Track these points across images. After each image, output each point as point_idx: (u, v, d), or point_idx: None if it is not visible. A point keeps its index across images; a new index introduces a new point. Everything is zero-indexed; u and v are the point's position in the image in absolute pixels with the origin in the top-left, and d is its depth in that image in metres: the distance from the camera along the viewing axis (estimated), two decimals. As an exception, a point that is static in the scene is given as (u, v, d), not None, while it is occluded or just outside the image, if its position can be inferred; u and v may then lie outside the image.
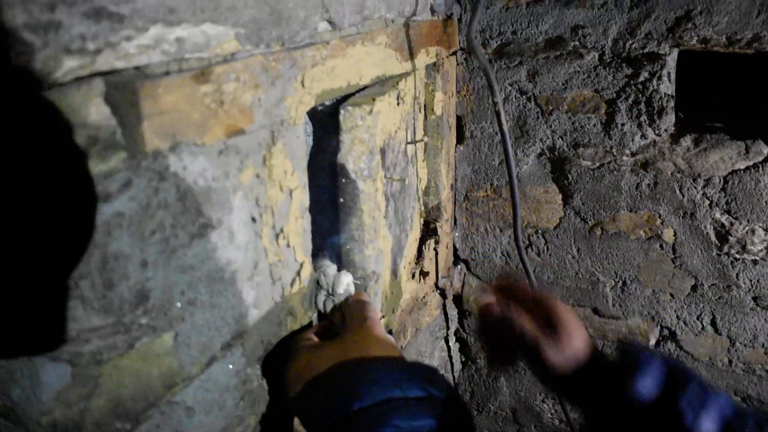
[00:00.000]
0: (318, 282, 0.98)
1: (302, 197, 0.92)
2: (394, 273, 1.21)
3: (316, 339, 0.89)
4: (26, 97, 0.54)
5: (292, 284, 0.92)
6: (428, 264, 1.51)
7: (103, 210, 0.60)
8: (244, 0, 0.75)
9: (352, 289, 1.00)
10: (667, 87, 1.41)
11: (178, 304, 0.71)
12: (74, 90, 0.57)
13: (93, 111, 0.59)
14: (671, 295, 1.56)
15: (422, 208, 1.51)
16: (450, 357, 1.82)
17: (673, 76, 1.41)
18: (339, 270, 1.01)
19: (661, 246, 1.52)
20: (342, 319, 0.92)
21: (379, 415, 0.71)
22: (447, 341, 1.80)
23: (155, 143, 0.65)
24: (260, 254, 0.84)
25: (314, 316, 1.00)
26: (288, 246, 0.89)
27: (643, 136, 1.45)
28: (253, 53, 0.79)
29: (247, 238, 0.80)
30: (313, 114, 1.07)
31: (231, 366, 0.82)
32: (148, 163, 0.64)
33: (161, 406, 0.72)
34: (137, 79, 0.63)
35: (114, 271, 0.62)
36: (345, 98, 1.03)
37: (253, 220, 0.81)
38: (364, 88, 1.07)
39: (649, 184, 1.48)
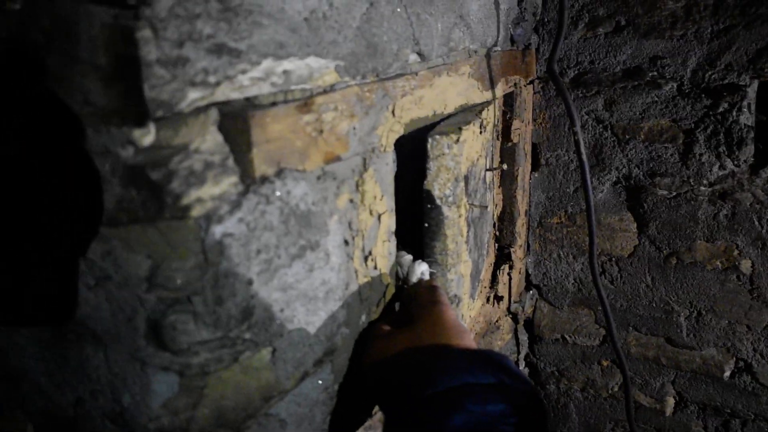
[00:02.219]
0: (396, 273, 1.00)
1: (389, 221, 0.95)
2: (472, 297, 1.24)
3: (388, 328, 0.91)
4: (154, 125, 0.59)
5: (378, 305, 0.95)
6: (502, 288, 1.53)
7: (216, 231, 0.65)
8: (345, 34, 0.80)
9: (427, 278, 1.01)
10: (746, 118, 1.41)
11: (278, 321, 0.75)
12: (193, 119, 0.62)
13: (209, 138, 0.64)
14: (747, 326, 1.54)
15: (497, 233, 1.54)
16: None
17: (753, 107, 1.41)
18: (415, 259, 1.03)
19: (738, 277, 1.51)
20: (414, 306, 0.93)
21: (452, 400, 0.73)
22: (517, 365, 1.80)
23: (263, 169, 0.69)
24: (351, 275, 0.87)
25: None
26: (375, 268, 0.93)
27: (722, 167, 1.45)
28: (349, 84, 0.83)
29: (340, 259, 0.84)
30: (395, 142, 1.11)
31: (320, 382, 0.86)
32: (256, 188, 0.69)
33: (259, 417, 0.76)
34: (248, 109, 0.68)
35: (224, 288, 0.67)
36: (429, 127, 1.06)
37: (346, 242, 0.85)
38: (448, 116, 1.11)
39: (726, 215, 1.48)
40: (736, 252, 1.49)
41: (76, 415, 0.74)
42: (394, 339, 0.85)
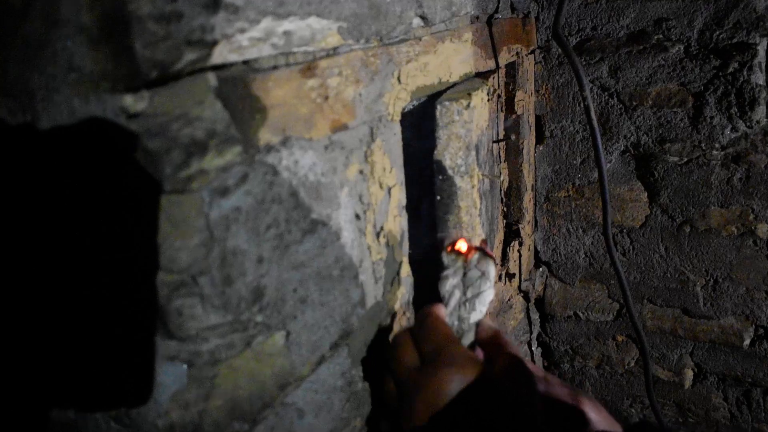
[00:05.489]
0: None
1: (399, 195, 0.90)
2: (486, 273, 1.19)
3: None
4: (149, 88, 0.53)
5: (392, 283, 0.90)
6: (513, 266, 1.48)
7: (222, 204, 0.59)
8: (347, -8, 0.74)
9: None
10: (758, 77, 1.36)
11: (291, 302, 0.70)
12: (191, 83, 0.57)
13: (208, 105, 0.58)
14: (766, 292, 1.50)
15: (504, 209, 1.49)
16: (533, 362, 1.78)
17: (764, 65, 1.36)
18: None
19: (754, 242, 1.47)
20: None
21: None
22: (530, 346, 1.76)
23: (267, 137, 0.64)
24: (364, 252, 0.82)
25: (411, 316, 0.97)
26: (388, 245, 0.88)
27: (734, 129, 1.40)
28: (353, 48, 0.78)
29: (352, 235, 0.79)
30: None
31: (338, 367, 0.80)
32: (261, 157, 0.63)
33: (275, 407, 0.71)
34: (248, 73, 0.62)
35: (232, 267, 0.61)
36: (435, 96, 1.01)
37: (357, 217, 0.80)
38: (453, 85, 1.06)
39: (740, 178, 1.43)
40: (751, 216, 1.45)
41: (77, 417, 0.68)
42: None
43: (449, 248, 0.88)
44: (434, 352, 0.77)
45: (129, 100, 0.53)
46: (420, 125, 1.06)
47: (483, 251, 0.87)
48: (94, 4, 0.52)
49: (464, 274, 0.87)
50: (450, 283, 0.85)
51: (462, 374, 0.74)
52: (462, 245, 0.88)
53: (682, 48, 1.41)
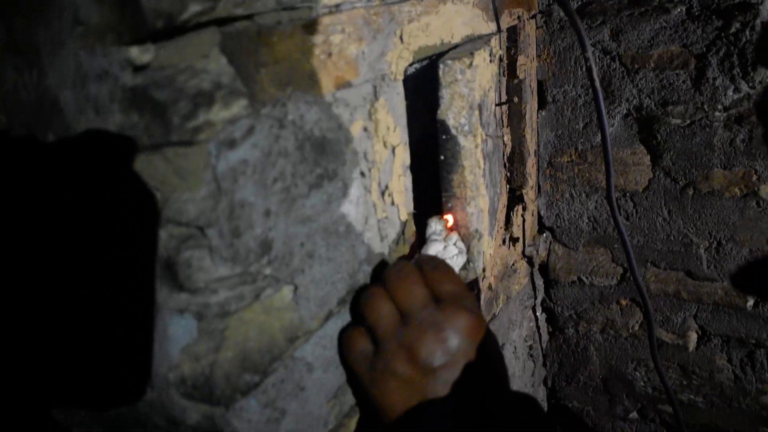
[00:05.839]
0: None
1: (404, 155, 0.91)
2: (491, 235, 1.20)
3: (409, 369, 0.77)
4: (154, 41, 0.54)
5: (397, 242, 0.91)
6: (516, 231, 1.49)
7: (229, 157, 0.60)
8: (349, -53, 0.75)
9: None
10: (760, 37, 1.36)
11: (298, 256, 0.70)
12: (196, 36, 0.57)
13: (213, 58, 0.59)
14: (770, 254, 1.50)
15: (508, 174, 1.49)
16: (538, 327, 1.80)
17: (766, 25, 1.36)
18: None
19: (758, 203, 1.47)
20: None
21: None
22: (534, 311, 1.77)
23: (273, 92, 0.64)
24: (370, 209, 0.83)
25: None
26: (393, 204, 0.88)
27: (737, 90, 1.40)
28: (355, 5, 0.78)
29: (358, 192, 0.80)
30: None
31: (346, 322, 0.81)
32: (267, 111, 0.64)
33: (285, 360, 0.72)
34: (252, 28, 0.63)
35: (240, 219, 0.62)
36: (439, 56, 1.01)
37: (362, 174, 0.81)
38: (455, 46, 1.06)
39: (743, 140, 1.43)
40: (755, 177, 1.45)
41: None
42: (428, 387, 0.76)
43: (441, 216, 0.91)
44: (455, 295, 0.78)
45: (135, 52, 0.54)
46: (420, 90, 1.07)
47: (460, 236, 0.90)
48: (98, -45, 0.52)
49: (444, 247, 0.90)
50: (434, 248, 0.87)
51: (481, 323, 0.77)
52: (449, 218, 0.91)
53: (683, 9, 1.41)
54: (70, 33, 0.55)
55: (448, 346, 0.74)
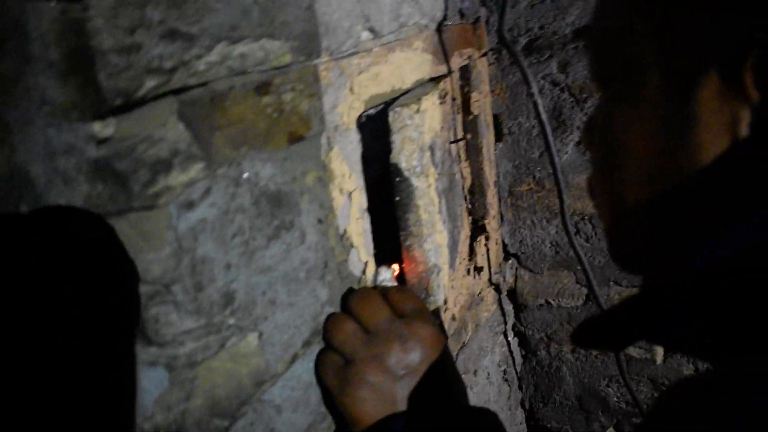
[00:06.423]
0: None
1: (360, 199, 0.96)
2: (451, 267, 1.25)
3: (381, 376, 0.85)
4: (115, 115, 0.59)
5: (359, 283, 0.95)
6: (481, 260, 1.54)
7: (189, 217, 0.65)
8: (296, 15, 0.80)
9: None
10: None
11: (261, 304, 0.75)
12: (153, 107, 0.62)
13: (170, 126, 0.64)
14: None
15: (469, 207, 1.54)
16: (510, 352, 1.84)
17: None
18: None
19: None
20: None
21: None
22: (506, 336, 1.82)
23: (228, 152, 0.69)
24: (329, 254, 0.87)
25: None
26: (352, 246, 0.93)
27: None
28: (305, 64, 0.83)
29: (316, 238, 0.84)
30: (359, 125, 1.11)
31: (311, 363, 0.86)
32: (223, 171, 0.69)
33: (253, 403, 0.76)
34: (206, 94, 0.68)
35: (202, 274, 0.67)
36: (390, 102, 1.07)
37: (320, 221, 0.85)
38: (407, 91, 1.11)
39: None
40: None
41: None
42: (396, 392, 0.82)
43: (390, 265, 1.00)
44: (418, 310, 0.87)
45: (97, 127, 0.58)
46: (379, 131, 1.12)
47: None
48: (60, 41, 0.57)
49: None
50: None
51: (442, 337, 0.86)
52: (396, 267, 1.05)
53: (626, 41, 1.48)
54: (38, 112, 0.60)
55: (414, 355, 0.82)
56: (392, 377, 0.80)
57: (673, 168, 0.53)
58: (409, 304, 0.87)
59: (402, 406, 0.80)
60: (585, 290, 1.75)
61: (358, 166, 0.95)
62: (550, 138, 1.30)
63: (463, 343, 1.42)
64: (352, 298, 0.88)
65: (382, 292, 0.89)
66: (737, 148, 0.49)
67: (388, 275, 0.98)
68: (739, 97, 0.47)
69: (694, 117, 0.50)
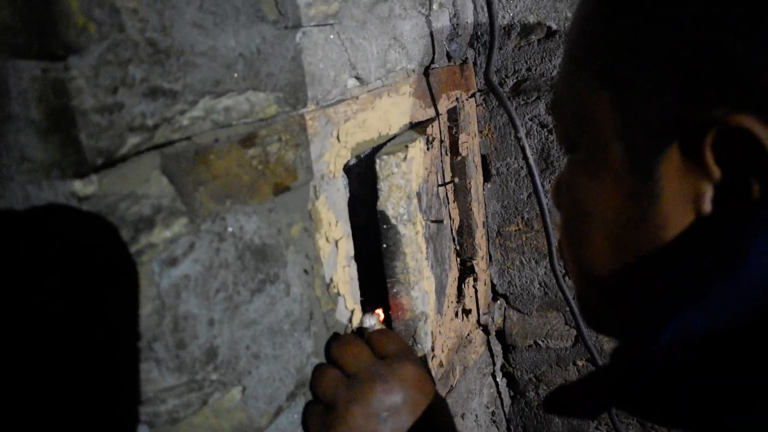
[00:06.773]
0: None
1: (347, 247, 0.95)
2: (439, 312, 1.24)
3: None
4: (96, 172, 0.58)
5: (345, 331, 0.95)
6: (469, 302, 1.53)
7: (171, 274, 0.64)
8: (281, 66, 0.80)
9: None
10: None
11: (244, 359, 0.74)
12: (136, 164, 0.62)
13: (154, 182, 0.63)
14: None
15: (457, 247, 1.54)
16: (499, 393, 1.83)
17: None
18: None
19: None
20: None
21: None
22: (494, 377, 1.81)
23: (212, 207, 0.69)
24: (314, 304, 0.87)
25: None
26: (339, 294, 0.93)
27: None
28: (291, 114, 0.83)
29: (301, 289, 0.84)
30: (347, 169, 1.11)
31: (296, 416, 0.85)
32: (207, 226, 0.68)
33: (237, 458, 0.75)
34: (190, 148, 0.67)
35: (185, 331, 0.66)
36: (377, 149, 1.07)
37: (305, 272, 0.85)
38: (394, 137, 1.11)
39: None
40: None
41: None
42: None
43: (374, 311, 1.01)
44: (401, 351, 0.87)
45: (78, 185, 0.58)
46: (367, 176, 1.12)
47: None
48: (41, 100, 0.56)
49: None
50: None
51: (427, 377, 0.86)
52: (380, 312, 1.07)
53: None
54: (18, 169, 0.59)
55: (396, 396, 0.81)
56: (375, 420, 0.80)
57: (638, 240, 0.53)
58: (391, 345, 0.87)
59: None
60: (574, 331, 1.74)
61: (345, 213, 0.95)
62: (538, 179, 1.31)
63: (451, 386, 1.41)
64: (333, 346, 0.88)
65: (363, 334, 0.91)
66: (701, 224, 0.48)
67: (373, 321, 0.97)
68: (702, 172, 0.47)
69: (658, 191, 0.50)
